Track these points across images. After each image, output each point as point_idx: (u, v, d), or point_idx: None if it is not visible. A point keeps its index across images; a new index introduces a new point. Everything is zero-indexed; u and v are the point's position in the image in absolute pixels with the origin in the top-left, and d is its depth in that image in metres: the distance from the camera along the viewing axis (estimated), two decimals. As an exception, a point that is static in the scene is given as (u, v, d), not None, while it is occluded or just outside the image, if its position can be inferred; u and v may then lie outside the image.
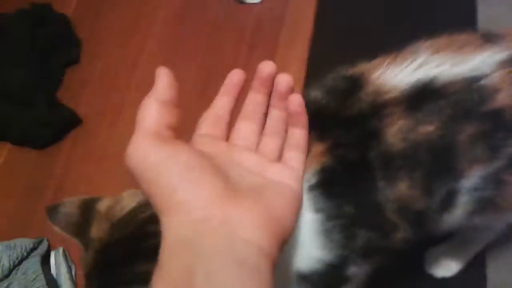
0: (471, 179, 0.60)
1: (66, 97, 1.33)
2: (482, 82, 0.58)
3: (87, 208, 0.70)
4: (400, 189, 0.59)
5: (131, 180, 0.46)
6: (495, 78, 0.58)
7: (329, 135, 0.60)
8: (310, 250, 0.62)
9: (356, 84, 0.62)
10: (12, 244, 1.07)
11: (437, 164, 0.60)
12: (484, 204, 0.63)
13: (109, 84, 1.35)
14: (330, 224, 0.60)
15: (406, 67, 0.60)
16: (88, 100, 1.33)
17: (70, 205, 0.71)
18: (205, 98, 0.72)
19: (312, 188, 0.60)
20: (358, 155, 0.59)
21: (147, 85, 0.50)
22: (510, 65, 0.58)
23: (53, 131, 1.25)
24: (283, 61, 1.27)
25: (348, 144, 0.60)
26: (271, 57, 1.29)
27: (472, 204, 0.63)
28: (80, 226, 0.69)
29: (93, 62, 1.39)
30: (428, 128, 0.58)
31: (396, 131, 0.58)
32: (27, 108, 1.25)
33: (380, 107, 0.59)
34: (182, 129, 0.50)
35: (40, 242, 1.07)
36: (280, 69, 0.57)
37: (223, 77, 0.59)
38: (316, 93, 0.65)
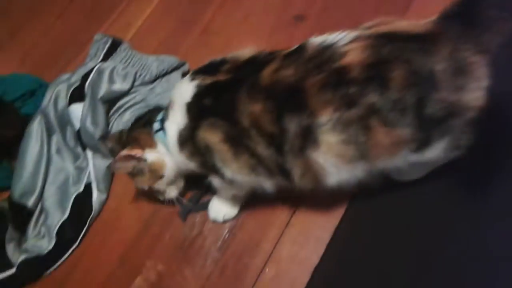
0: (328, 118, 0.75)
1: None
2: (335, 47, 0.76)
3: None
4: (255, 109, 0.80)
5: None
6: (346, 47, 0.75)
7: (239, 70, 0.88)
8: None
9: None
10: (161, 58, 1.30)
11: (290, 100, 0.77)
12: (357, 146, 0.77)
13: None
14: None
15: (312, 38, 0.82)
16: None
17: None
18: None
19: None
20: (242, 77, 0.84)
21: None
22: (359, 40, 0.75)
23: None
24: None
25: (242, 73, 0.86)
26: None
27: (343, 144, 0.76)
28: None
29: None
30: (286, 72, 0.78)
31: (269, 70, 0.81)
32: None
33: (275, 57, 0.83)
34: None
35: (183, 64, 1.29)
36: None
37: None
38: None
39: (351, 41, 0.75)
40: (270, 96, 0.79)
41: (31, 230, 1.24)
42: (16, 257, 1.20)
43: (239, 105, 0.82)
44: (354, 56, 0.73)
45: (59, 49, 1.57)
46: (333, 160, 0.79)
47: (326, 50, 0.76)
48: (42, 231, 1.24)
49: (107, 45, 1.40)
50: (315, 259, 1.06)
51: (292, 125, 0.78)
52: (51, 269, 1.20)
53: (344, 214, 1.08)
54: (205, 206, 1.17)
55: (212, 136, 0.86)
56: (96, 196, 1.24)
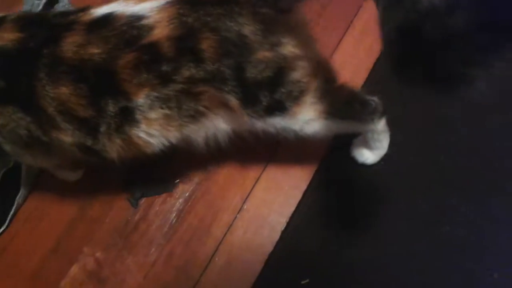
0: (146, 99, 0.72)
1: None
2: (142, 19, 0.70)
3: None
4: (61, 92, 0.72)
5: None
6: (152, 19, 0.70)
7: (28, 29, 0.74)
8: None
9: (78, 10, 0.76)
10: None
11: (103, 83, 0.72)
12: (185, 116, 0.76)
13: None
14: None
15: (115, 3, 0.74)
16: None
17: None
18: None
19: None
20: (35, 47, 0.72)
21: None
22: (164, 9, 0.70)
23: None
24: None
25: (34, 38, 0.72)
26: None
27: (167, 118, 0.75)
28: None
29: None
30: (94, 50, 0.70)
31: (71, 43, 0.71)
32: None
33: (74, 23, 0.73)
34: None
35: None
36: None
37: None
38: None
39: (157, 11, 0.71)
40: (79, 78, 0.72)
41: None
42: None
43: (39, 86, 0.72)
44: (161, 29, 0.70)
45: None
46: (157, 132, 0.77)
47: (133, 24, 0.71)
48: (-34, 213, 1.09)
49: (43, 1, 1.23)
50: (269, 247, 0.98)
51: (109, 107, 0.73)
52: (-25, 254, 1.06)
53: (300, 200, 1.01)
54: (158, 191, 1.07)
55: (7, 146, 0.82)
56: (25, 174, 1.10)
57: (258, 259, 0.97)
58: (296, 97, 0.76)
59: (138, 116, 0.74)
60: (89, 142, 0.78)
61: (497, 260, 0.92)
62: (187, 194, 1.06)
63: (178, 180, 1.07)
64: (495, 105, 0.94)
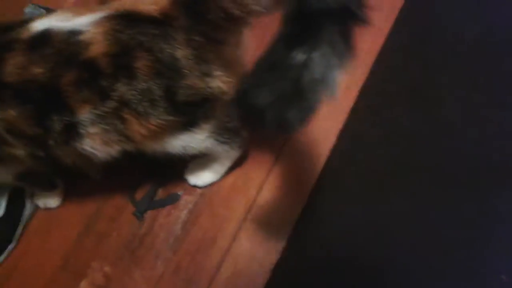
0: (87, 115, 0.74)
1: None
2: (79, 37, 0.71)
3: None
4: (9, 114, 0.74)
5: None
6: (89, 34, 0.71)
7: None
8: None
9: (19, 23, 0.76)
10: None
11: (48, 102, 0.73)
12: (119, 134, 0.77)
13: None
14: None
15: (53, 17, 0.75)
16: None
17: None
18: None
19: None
20: None
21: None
22: (100, 24, 0.71)
23: None
24: None
25: None
26: None
27: (106, 133, 0.76)
28: None
29: None
30: (37, 70, 0.71)
31: (13, 64, 0.72)
32: None
33: (14, 42, 0.73)
34: None
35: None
36: None
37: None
38: None
39: (93, 26, 0.72)
40: (25, 100, 0.74)
41: (-39, 230, 1.12)
42: None
43: None
44: (98, 46, 0.71)
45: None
46: (99, 146, 0.79)
47: (71, 40, 0.72)
48: (-26, 231, 1.11)
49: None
50: (275, 256, 0.99)
51: (54, 124, 0.75)
52: (-14, 272, 1.08)
53: (304, 207, 1.01)
54: (162, 203, 1.08)
55: None
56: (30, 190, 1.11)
57: (265, 269, 0.98)
58: (207, 118, 0.82)
59: (82, 131, 0.76)
60: (41, 154, 0.81)
61: (505, 261, 0.91)
62: (191, 206, 1.07)
63: (181, 192, 1.08)
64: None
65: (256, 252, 0.99)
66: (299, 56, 0.54)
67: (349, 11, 0.54)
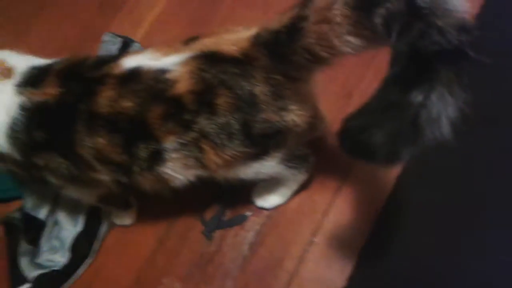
0: (172, 143, 0.80)
1: None
2: (166, 75, 0.78)
3: None
4: (98, 142, 0.81)
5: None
6: (176, 73, 0.78)
7: (67, 84, 0.83)
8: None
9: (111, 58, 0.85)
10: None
11: (135, 132, 0.80)
12: (196, 161, 0.83)
13: None
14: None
15: (142, 55, 0.82)
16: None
17: None
18: None
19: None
20: (73, 102, 0.81)
21: None
22: (186, 64, 0.78)
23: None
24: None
25: (72, 93, 0.82)
26: None
27: (185, 158, 0.82)
28: None
29: None
30: (127, 104, 0.78)
31: (106, 97, 0.79)
32: None
33: (106, 77, 0.81)
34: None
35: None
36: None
37: None
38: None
39: (180, 66, 0.78)
40: (114, 129, 0.81)
41: (43, 244, 1.20)
42: (30, 271, 1.16)
43: (77, 138, 0.82)
44: (184, 84, 0.77)
45: (68, 49, 1.50)
46: (179, 169, 0.85)
47: (160, 78, 0.78)
48: (56, 244, 1.19)
49: (117, 47, 1.33)
50: (341, 280, 1.00)
51: (140, 152, 0.82)
52: (66, 284, 1.16)
53: (372, 232, 1.02)
54: (230, 223, 1.12)
55: (51, 178, 0.91)
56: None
57: (331, 292, 1.00)
58: (279, 148, 0.86)
59: (166, 156, 0.82)
60: (124, 180, 0.88)
61: None
62: (257, 227, 1.10)
63: (248, 213, 1.12)
64: None
65: (323, 275, 1.01)
66: (417, 96, 0.57)
67: (462, 52, 0.56)
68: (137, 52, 0.85)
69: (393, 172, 1.05)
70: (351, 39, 0.65)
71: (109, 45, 1.34)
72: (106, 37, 1.36)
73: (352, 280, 0.99)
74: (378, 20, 0.61)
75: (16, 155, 0.87)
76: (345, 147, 0.66)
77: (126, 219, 1.18)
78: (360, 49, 0.66)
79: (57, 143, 0.84)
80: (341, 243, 1.03)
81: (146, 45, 1.36)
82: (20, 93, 0.84)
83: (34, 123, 0.83)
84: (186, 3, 1.47)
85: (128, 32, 1.42)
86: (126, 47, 1.33)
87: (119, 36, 1.36)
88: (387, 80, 0.60)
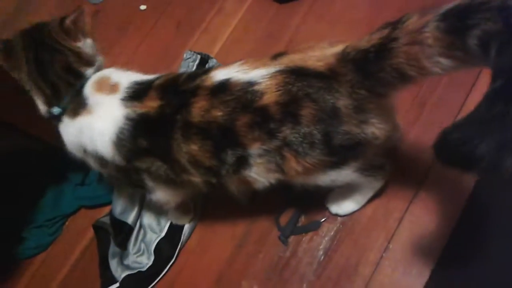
0: (257, 150, 0.86)
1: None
2: (254, 87, 0.83)
3: None
4: (192, 149, 0.89)
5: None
6: (263, 85, 0.83)
7: (165, 97, 0.91)
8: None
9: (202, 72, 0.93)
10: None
11: (224, 139, 0.87)
12: (277, 166, 0.88)
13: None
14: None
15: (232, 69, 0.88)
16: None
17: None
18: None
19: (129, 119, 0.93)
20: (171, 112, 0.89)
21: None
22: (273, 77, 0.83)
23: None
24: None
25: (170, 105, 0.90)
26: None
27: (268, 163, 0.88)
28: None
29: None
30: (217, 113, 0.85)
31: (198, 108, 0.87)
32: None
33: (199, 89, 0.88)
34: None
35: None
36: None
37: None
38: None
39: (267, 79, 0.83)
40: (206, 136, 0.88)
41: (131, 246, 1.30)
42: (119, 272, 1.26)
43: (174, 144, 0.90)
44: (271, 95, 0.82)
45: (149, 66, 1.63)
46: (262, 173, 0.91)
47: (247, 89, 0.84)
48: (142, 247, 1.29)
49: (196, 63, 1.42)
50: (419, 286, 1.00)
51: (228, 157, 0.89)
52: (152, 285, 1.24)
53: (450, 237, 1.01)
54: (305, 229, 1.16)
55: (148, 180, 1.01)
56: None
57: (408, 298, 1.00)
58: (357, 158, 0.89)
59: (251, 161, 0.89)
60: (213, 181, 0.95)
61: None
62: (332, 233, 1.13)
63: (323, 219, 1.15)
64: None
65: (400, 281, 1.02)
66: None
67: None
68: (226, 66, 0.91)
69: (472, 177, 1.04)
70: (442, 60, 0.67)
71: (189, 62, 1.44)
72: (187, 54, 1.47)
73: (429, 286, 0.98)
74: (472, 41, 0.62)
75: (119, 160, 0.96)
76: (444, 158, 0.67)
77: (183, 219, 1.27)
78: (450, 70, 0.68)
79: (157, 149, 0.93)
80: (417, 249, 1.03)
81: (221, 61, 1.45)
82: (126, 106, 0.93)
83: (138, 131, 0.92)
84: (257, 21, 1.54)
85: (205, 49, 1.51)
86: (203, 63, 1.43)
87: (198, 54, 1.46)
88: (490, 94, 0.61)
